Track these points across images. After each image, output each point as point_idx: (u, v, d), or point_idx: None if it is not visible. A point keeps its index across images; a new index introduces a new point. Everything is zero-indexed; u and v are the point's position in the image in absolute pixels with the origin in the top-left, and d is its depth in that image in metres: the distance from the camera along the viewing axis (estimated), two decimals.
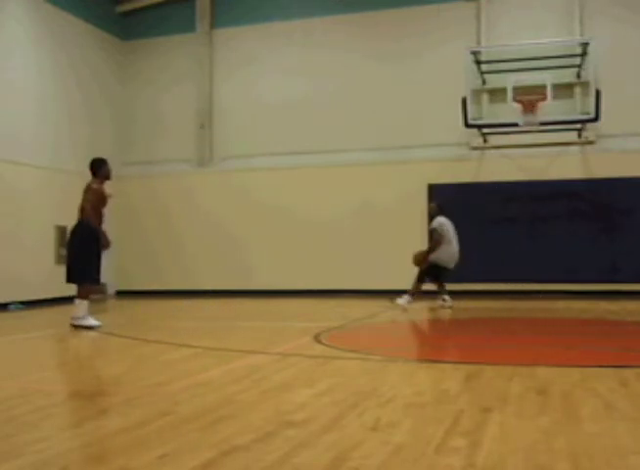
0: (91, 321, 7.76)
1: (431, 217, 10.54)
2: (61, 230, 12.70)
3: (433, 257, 10.09)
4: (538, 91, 11.45)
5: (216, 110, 14.47)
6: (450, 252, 10.15)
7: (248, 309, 10.94)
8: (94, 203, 7.79)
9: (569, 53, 12.16)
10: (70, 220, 12.71)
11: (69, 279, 7.88)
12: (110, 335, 7.33)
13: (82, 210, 7.82)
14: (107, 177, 8.08)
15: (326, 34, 13.78)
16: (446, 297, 10.25)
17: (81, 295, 7.81)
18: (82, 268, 7.77)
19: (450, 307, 10.00)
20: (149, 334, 7.32)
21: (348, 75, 13.57)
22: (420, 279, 10.19)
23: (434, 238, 10.16)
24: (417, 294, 10.21)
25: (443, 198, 12.72)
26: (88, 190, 7.83)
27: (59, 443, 2.98)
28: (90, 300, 8.01)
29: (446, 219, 10.30)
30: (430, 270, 10.15)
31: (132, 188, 14.23)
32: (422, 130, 12.99)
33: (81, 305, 7.75)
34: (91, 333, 7.50)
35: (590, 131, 12.16)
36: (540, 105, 11.43)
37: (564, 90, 12.07)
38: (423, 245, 12.81)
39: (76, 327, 7.69)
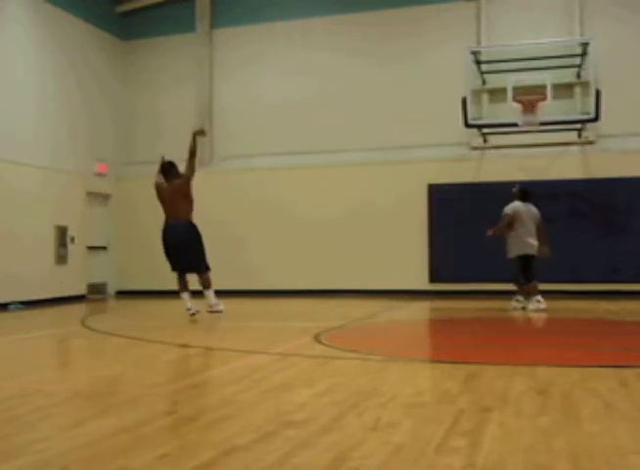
0: (222, 306, 8.56)
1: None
2: (61, 230, 12.71)
3: (513, 250, 9.64)
4: (538, 91, 11.45)
5: (216, 110, 14.47)
6: (522, 241, 9.60)
7: (248, 309, 10.93)
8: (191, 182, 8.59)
9: (569, 53, 12.16)
10: (70, 220, 12.84)
11: (190, 269, 8.68)
12: (110, 335, 7.33)
13: (181, 205, 8.53)
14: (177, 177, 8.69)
15: (326, 34, 13.78)
16: (520, 298, 9.73)
17: (209, 283, 8.58)
18: (204, 258, 8.66)
19: (524, 309, 9.51)
20: (149, 334, 7.33)
21: (348, 75, 13.57)
22: (518, 278, 9.69)
23: (501, 221, 9.66)
24: (526, 291, 9.68)
25: (443, 198, 12.77)
26: (186, 183, 8.50)
27: (59, 443, 2.98)
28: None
29: (525, 205, 9.73)
30: (520, 265, 9.62)
31: (132, 188, 14.22)
32: (422, 130, 12.98)
33: (212, 292, 8.51)
34: (91, 333, 7.50)
35: (590, 131, 12.16)
36: (540, 105, 11.43)
37: (564, 90, 12.07)
38: (423, 246, 12.86)
39: (212, 312, 8.47)
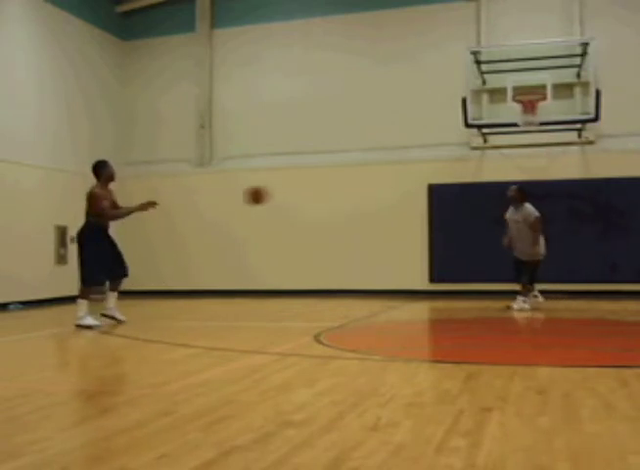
0: (89, 321, 7.81)
1: (513, 202, 9.81)
2: (61, 230, 12.71)
3: (539, 252, 9.70)
4: (538, 91, 11.45)
5: (216, 110, 14.46)
6: (542, 243, 9.76)
7: (247, 309, 10.94)
8: (103, 207, 7.89)
9: (569, 53, 12.16)
10: (70, 220, 12.83)
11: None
12: (110, 335, 7.33)
13: (86, 214, 7.99)
14: (110, 179, 8.16)
15: (326, 34, 13.78)
16: (536, 293, 10.08)
17: (80, 295, 7.96)
18: (82, 270, 7.96)
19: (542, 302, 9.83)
20: (149, 334, 7.33)
21: (348, 75, 13.56)
22: (532, 279, 9.82)
23: (539, 227, 9.59)
24: (530, 293, 9.85)
25: (443, 198, 12.77)
26: (91, 196, 7.91)
27: (59, 443, 2.98)
28: (91, 300, 8.09)
29: None
30: (536, 267, 9.76)
31: (132, 188, 14.19)
32: (421, 130, 12.98)
33: (81, 305, 7.86)
34: (91, 333, 7.51)
35: (590, 131, 12.15)
36: (540, 105, 11.42)
37: (564, 90, 12.06)
38: (423, 246, 12.85)
39: (77, 327, 7.79)
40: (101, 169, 8.08)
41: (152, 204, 8.07)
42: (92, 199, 7.91)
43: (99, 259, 7.95)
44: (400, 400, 3.75)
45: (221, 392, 4.07)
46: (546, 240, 9.85)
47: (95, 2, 14.16)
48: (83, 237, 7.96)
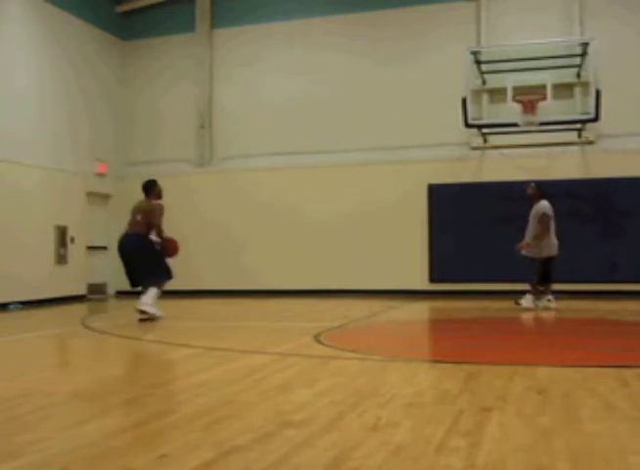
0: (155, 310, 8.33)
1: (532, 199, 9.86)
2: (61, 230, 12.71)
3: (546, 250, 9.60)
4: (538, 91, 11.45)
5: (216, 110, 14.47)
6: (555, 241, 9.66)
7: (247, 309, 10.94)
8: (160, 219, 8.59)
9: (569, 53, 12.16)
10: (70, 220, 12.84)
11: (137, 283, 8.60)
12: (110, 335, 7.33)
13: (138, 224, 8.53)
14: (159, 196, 8.85)
15: (326, 34, 13.78)
16: (551, 297, 9.71)
17: (155, 284, 8.42)
18: (153, 274, 8.46)
19: (555, 309, 9.51)
20: (149, 334, 7.33)
21: (348, 75, 13.56)
22: (541, 277, 9.63)
23: (545, 223, 9.56)
24: (539, 293, 9.70)
25: (443, 198, 12.77)
26: (153, 209, 8.55)
27: (59, 443, 2.98)
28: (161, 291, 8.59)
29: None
30: (546, 265, 9.62)
31: (132, 188, 14.12)
32: (421, 130, 12.98)
33: (152, 293, 8.31)
34: (91, 333, 7.51)
35: (590, 131, 12.15)
36: (540, 105, 11.42)
37: (564, 90, 12.06)
38: (423, 246, 12.86)
39: (141, 312, 8.28)
40: (152, 187, 8.78)
41: (174, 248, 8.76)
42: (155, 211, 8.51)
43: (161, 258, 8.55)
44: (400, 400, 3.75)
45: (221, 392, 4.07)
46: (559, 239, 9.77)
47: (95, 2, 14.16)
48: (138, 249, 8.45)
